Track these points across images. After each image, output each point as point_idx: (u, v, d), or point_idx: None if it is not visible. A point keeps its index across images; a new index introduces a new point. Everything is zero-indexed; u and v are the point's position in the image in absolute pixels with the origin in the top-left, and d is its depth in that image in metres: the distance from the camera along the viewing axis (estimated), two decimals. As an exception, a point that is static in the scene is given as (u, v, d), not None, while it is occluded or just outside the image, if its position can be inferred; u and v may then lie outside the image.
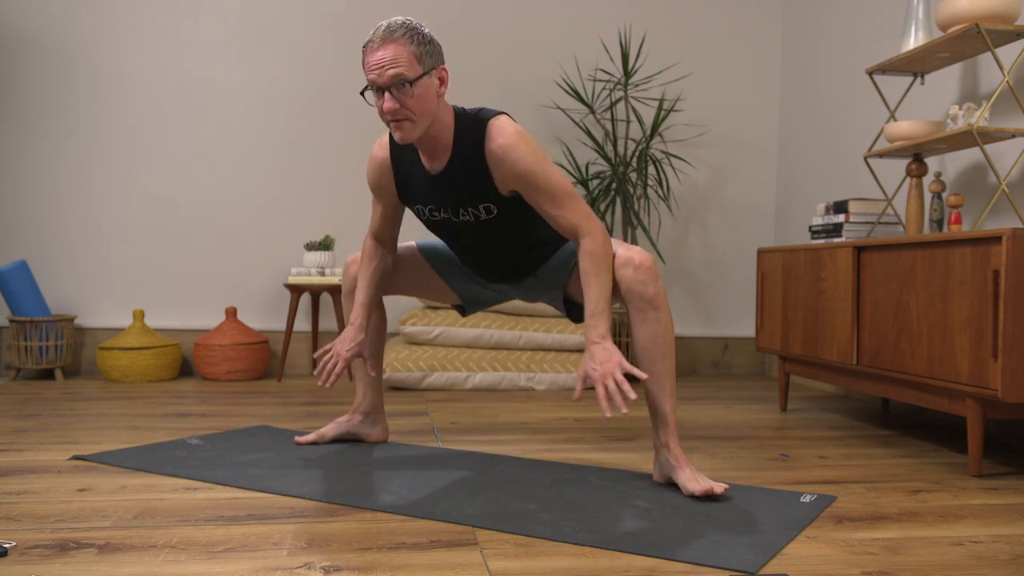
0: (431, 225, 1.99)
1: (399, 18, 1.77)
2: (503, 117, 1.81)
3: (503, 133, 1.77)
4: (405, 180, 1.95)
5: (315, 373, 2.07)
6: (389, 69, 1.71)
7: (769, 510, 1.65)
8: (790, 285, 2.84)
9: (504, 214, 1.88)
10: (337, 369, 1.96)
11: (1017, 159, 2.39)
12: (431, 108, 1.77)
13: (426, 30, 1.78)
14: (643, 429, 2.56)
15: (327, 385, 1.94)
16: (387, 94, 1.73)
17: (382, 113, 1.75)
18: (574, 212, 1.78)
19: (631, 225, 3.67)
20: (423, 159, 1.88)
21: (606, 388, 1.63)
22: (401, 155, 1.94)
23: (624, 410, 1.58)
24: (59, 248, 3.70)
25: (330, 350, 2.02)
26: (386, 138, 1.98)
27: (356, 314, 2.07)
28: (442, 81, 1.80)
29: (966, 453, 2.27)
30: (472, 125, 1.82)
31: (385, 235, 2.10)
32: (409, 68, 1.72)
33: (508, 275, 2.03)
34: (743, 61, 4.08)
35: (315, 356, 2.01)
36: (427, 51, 1.75)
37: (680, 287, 4.08)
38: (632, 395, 1.60)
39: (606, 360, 1.66)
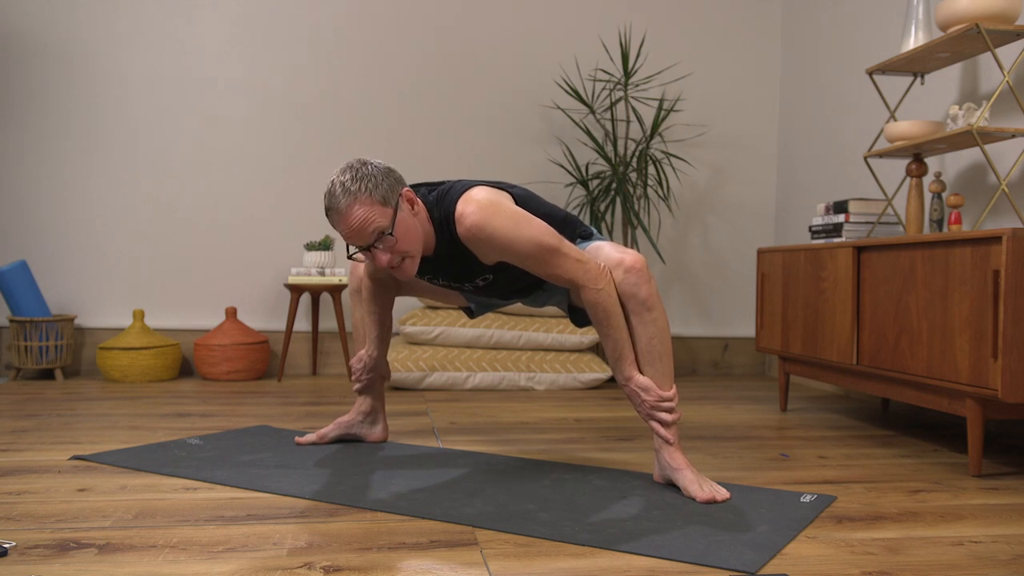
0: (434, 283, 2.04)
1: (346, 172, 1.70)
2: (468, 194, 1.74)
3: (467, 215, 1.70)
4: None
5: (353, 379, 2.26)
6: (365, 230, 1.69)
7: (769, 510, 1.65)
8: (790, 285, 2.84)
9: (500, 276, 1.90)
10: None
11: (1017, 159, 2.39)
12: (418, 235, 1.76)
13: (372, 167, 1.72)
14: (643, 429, 2.56)
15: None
16: (375, 251, 1.72)
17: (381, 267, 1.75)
18: (564, 268, 1.74)
19: (631, 225, 3.67)
20: None
21: (659, 421, 1.80)
22: None
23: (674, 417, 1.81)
24: (59, 248, 3.70)
25: (359, 364, 2.19)
26: None
27: (372, 346, 2.16)
28: (411, 202, 1.76)
29: (966, 453, 2.27)
30: (444, 213, 1.79)
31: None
32: (382, 216, 1.69)
33: (517, 297, 2.07)
34: (743, 61, 4.08)
35: (351, 363, 2.21)
36: (387, 189, 1.71)
37: (680, 287, 4.08)
38: (675, 415, 1.79)
39: (640, 402, 1.81)
